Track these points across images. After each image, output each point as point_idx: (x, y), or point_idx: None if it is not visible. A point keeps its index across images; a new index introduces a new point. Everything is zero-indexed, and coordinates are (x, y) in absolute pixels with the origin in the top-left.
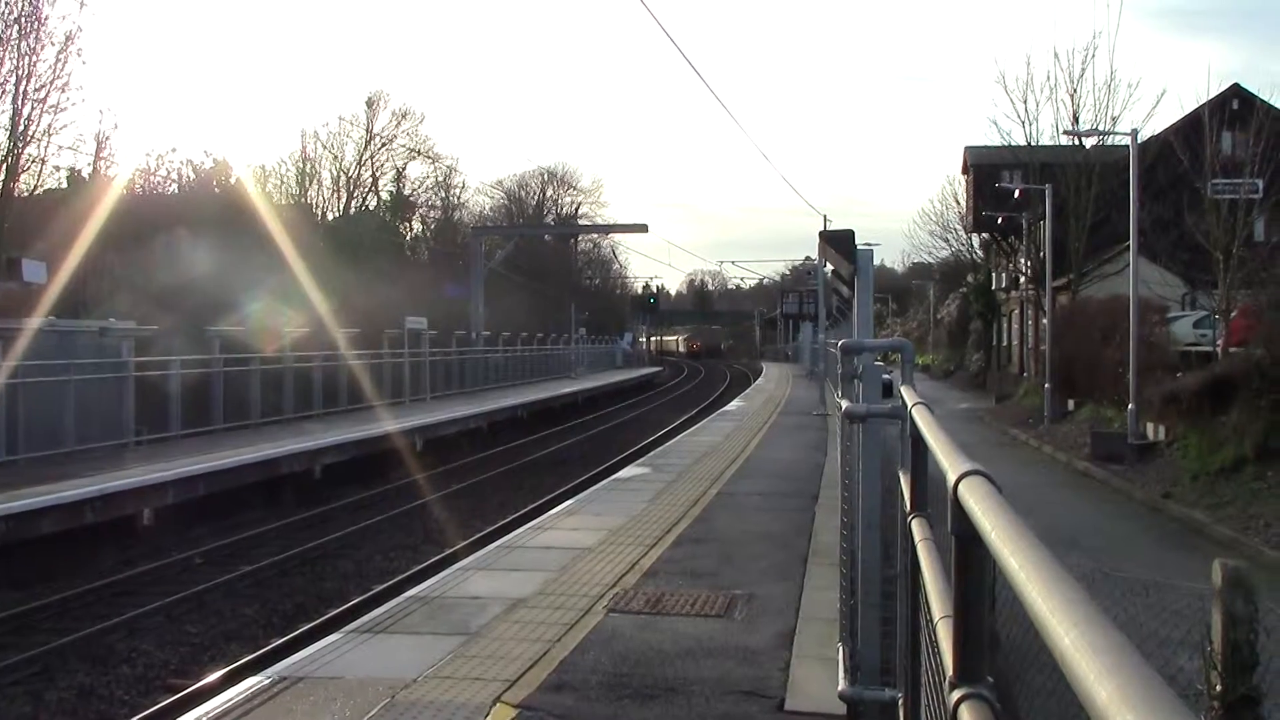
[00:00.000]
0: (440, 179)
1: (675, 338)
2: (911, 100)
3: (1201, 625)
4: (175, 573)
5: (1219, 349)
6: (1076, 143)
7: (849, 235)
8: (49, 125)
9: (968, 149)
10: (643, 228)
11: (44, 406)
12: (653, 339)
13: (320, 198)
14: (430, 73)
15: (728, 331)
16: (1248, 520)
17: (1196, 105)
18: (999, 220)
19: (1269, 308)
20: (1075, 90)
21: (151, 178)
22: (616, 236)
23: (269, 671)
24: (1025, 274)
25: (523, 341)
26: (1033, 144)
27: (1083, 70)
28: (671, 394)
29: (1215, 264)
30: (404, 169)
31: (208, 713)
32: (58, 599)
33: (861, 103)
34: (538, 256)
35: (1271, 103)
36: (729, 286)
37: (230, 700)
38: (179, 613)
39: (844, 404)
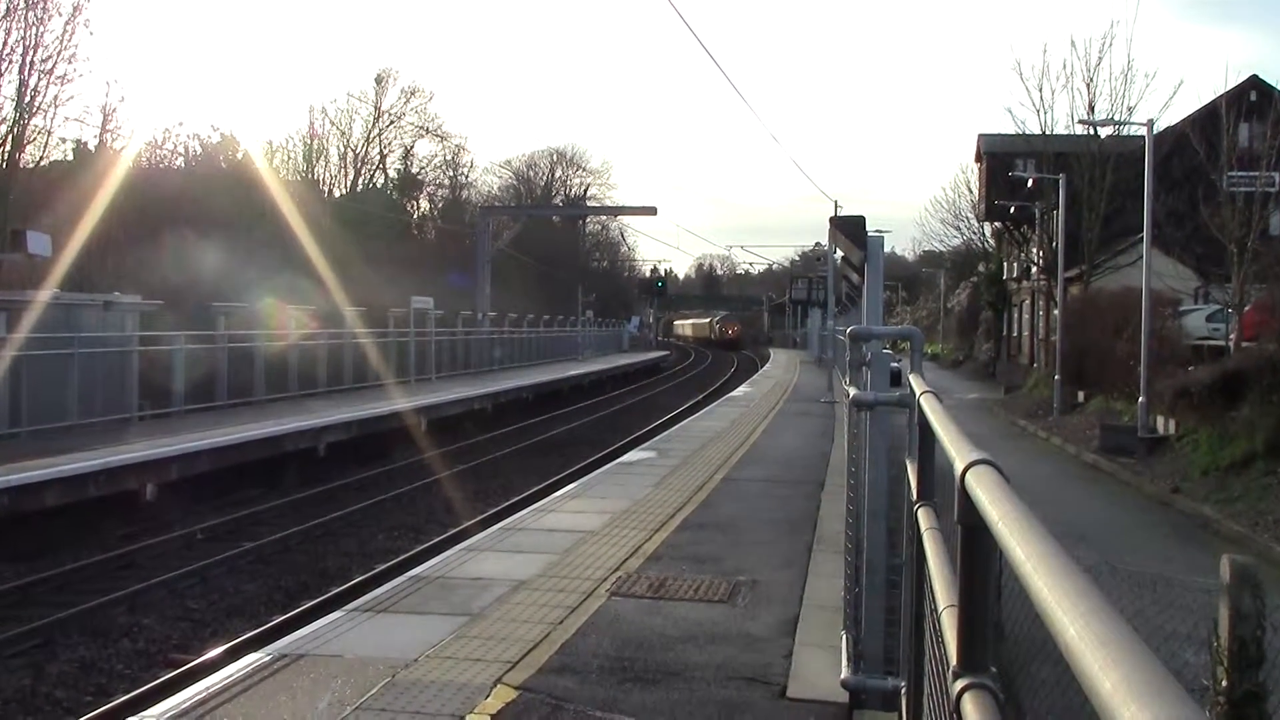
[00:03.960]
0: (448, 158)
1: (703, 320)
2: (925, 86)
3: (1208, 621)
4: (177, 548)
5: (1231, 343)
6: (1092, 132)
7: (860, 221)
8: (55, 96)
9: (981, 136)
10: (651, 210)
11: (48, 380)
12: (676, 323)
13: (327, 175)
14: (440, 51)
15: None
16: (1257, 516)
17: (1214, 96)
18: (1011, 209)
19: None
20: (1091, 79)
21: (158, 151)
22: (625, 219)
23: (270, 648)
24: (1037, 264)
25: (529, 323)
26: (1047, 133)
27: (1099, 59)
28: (677, 379)
29: (1229, 257)
30: (412, 147)
31: (208, 688)
32: (59, 572)
33: (875, 88)
34: (545, 238)
35: None
36: (738, 271)
37: (231, 676)
38: (181, 588)
39: (852, 391)
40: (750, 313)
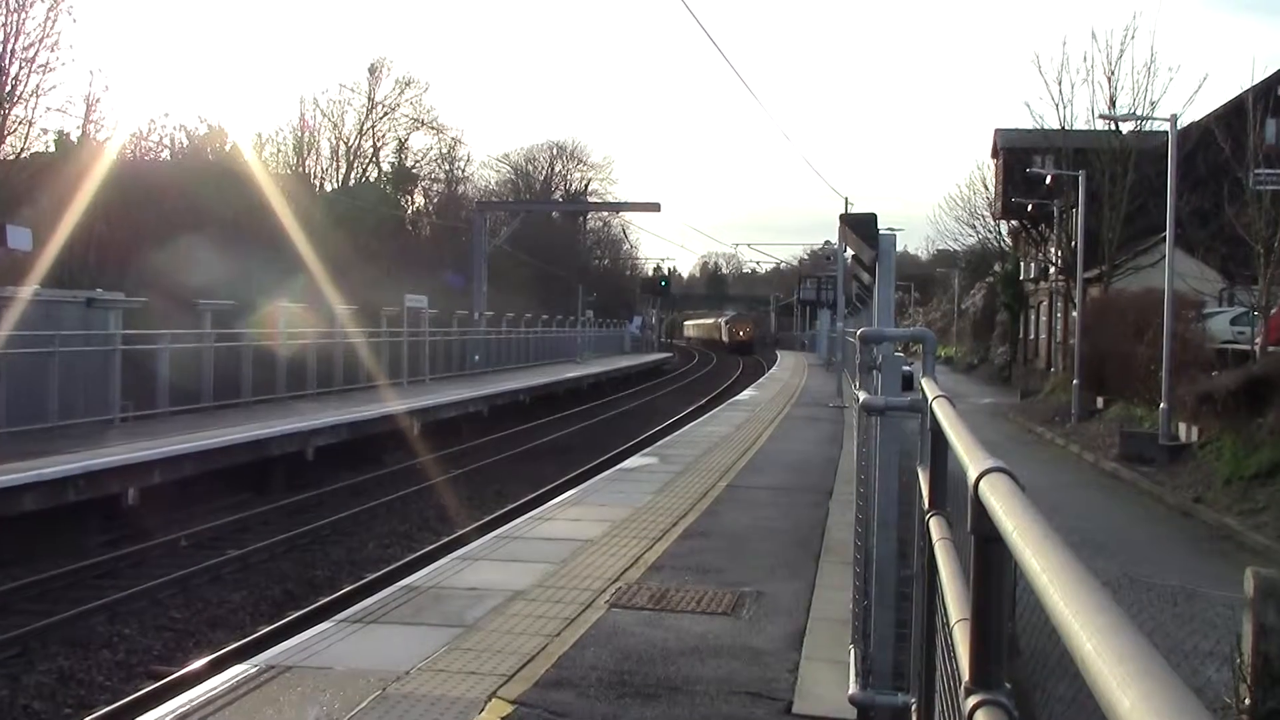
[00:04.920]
0: (444, 151)
1: (710, 320)
2: (940, 80)
3: (1231, 636)
4: (160, 555)
5: (1257, 347)
6: (1113, 127)
7: (871, 219)
8: (37, 86)
9: (998, 131)
10: (655, 206)
11: (27, 379)
12: (687, 323)
13: (319, 168)
14: (436, 40)
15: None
16: None
17: (1240, 91)
18: (1029, 207)
19: None
20: (1113, 72)
21: (143, 143)
22: (627, 216)
23: (256, 660)
24: (1055, 264)
25: (526, 323)
26: (1067, 128)
27: (1121, 52)
28: (680, 382)
29: (1256, 258)
30: (406, 140)
31: (191, 701)
32: (37, 580)
33: (888, 81)
34: (544, 234)
35: None
36: (744, 271)
37: (215, 688)
38: (163, 597)
39: (861, 396)
40: (757, 313)
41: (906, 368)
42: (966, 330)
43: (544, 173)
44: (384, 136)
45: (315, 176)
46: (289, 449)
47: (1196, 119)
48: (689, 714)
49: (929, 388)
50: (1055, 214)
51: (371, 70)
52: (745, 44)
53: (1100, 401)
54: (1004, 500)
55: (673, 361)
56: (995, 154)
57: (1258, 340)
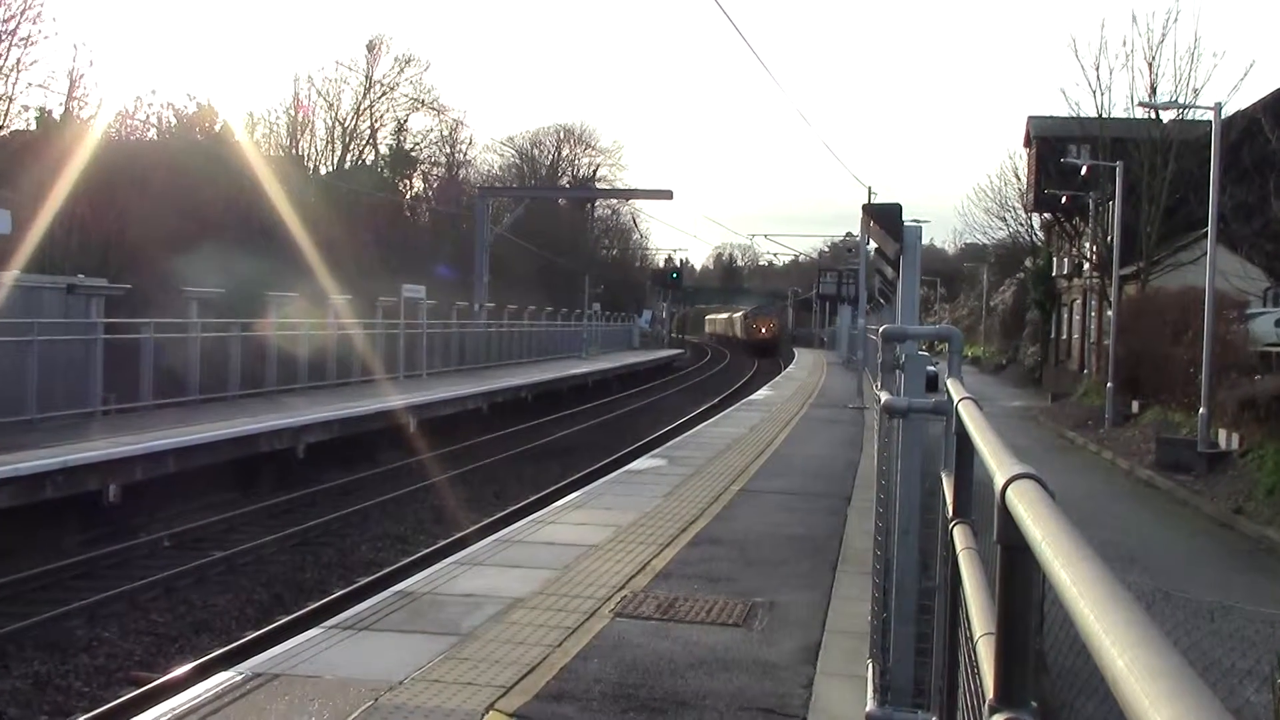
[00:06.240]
0: (445, 133)
1: (723, 315)
2: (970, 62)
3: (1272, 655)
4: (142, 556)
5: None
6: (1153, 116)
7: (896, 210)
8: (18, 60)
9: (1031, 119)
10: (667, 194)
11: (4, 369)
12: (709, 318)
13: (313, 150)
14: (437, 16)
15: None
16: None
17: None
18: (1063, 199)
19: None
20: (1153, 58)
21: (129, 122)
22: (637, 204)
23: (241, 667)
24: (1090, 260)
25: (530, 316)
26: (1104, 116)
27: (1163, 36)
28: (692, 379)
29: None
30: (405, 121)
31: (174, 709)
32: (12, 580)
33: (914, 62)
34: (549, 223)
35: None
36: (760, 263)
37: (199, 696)
38: (145, 599)
39: (883, 396)
40: (779, 307)
41: (931, 368)
42: (995, 329)
43: (550, 157)
44: (382, 117)
45: (309, 159)
46: (279, 445)
47: (1242, 108)
48: None
49: (955, 389)
50: (1090, 207)
51: (370, 47)
52: (763, 23)
53: (1135, 406)
54: (1032, 508)
55: (684, 358)
56: (1028, 143)
57: None
